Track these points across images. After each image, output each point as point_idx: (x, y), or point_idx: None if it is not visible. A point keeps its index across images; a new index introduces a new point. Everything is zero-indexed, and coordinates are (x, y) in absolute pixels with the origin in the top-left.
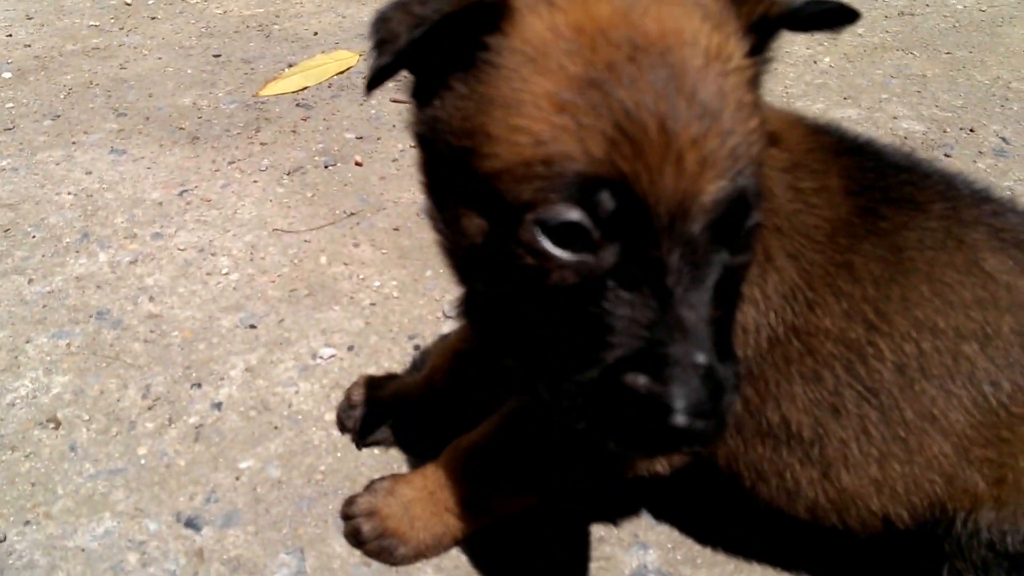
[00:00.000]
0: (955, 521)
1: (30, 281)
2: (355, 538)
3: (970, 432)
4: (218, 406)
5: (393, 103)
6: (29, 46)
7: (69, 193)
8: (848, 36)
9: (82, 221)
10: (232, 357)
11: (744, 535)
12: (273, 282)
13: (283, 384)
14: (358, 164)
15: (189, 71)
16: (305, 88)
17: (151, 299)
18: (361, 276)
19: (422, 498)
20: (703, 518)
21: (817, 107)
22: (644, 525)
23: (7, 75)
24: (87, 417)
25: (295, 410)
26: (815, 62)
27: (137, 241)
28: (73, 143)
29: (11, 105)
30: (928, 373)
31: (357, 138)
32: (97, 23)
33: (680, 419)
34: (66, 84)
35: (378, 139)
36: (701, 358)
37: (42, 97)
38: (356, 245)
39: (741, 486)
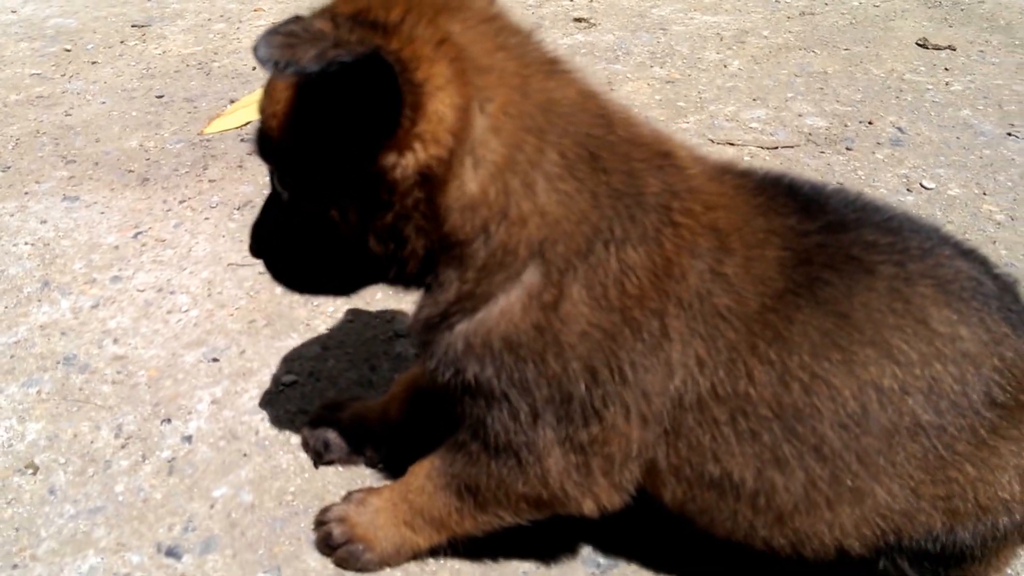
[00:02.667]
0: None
1: None
2: (325, 543)
3: (919, 474)
4: (188, 439)
5: None
6: None
7: (26, 243)
8: (755, 39)
9: (41, 270)
10: (198, 391)
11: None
12: (232, 315)
13: (249, 413)
14: None
15: (134, 113)
16: (248, 123)
17: (115, 341)
18: (315, 303)
19: (386, 508)
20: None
21: (729, 109)
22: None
23: None
24: (63, 460)
25: (262, 436)
26: (725, 66)
27: (97, 286)
28: (26, 193)
29: None
30: (872, 429)
31: None
32: (39, 71)
33: None
34: (12, 135)
35: None
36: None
37: None
38: None
39: (695, 525)
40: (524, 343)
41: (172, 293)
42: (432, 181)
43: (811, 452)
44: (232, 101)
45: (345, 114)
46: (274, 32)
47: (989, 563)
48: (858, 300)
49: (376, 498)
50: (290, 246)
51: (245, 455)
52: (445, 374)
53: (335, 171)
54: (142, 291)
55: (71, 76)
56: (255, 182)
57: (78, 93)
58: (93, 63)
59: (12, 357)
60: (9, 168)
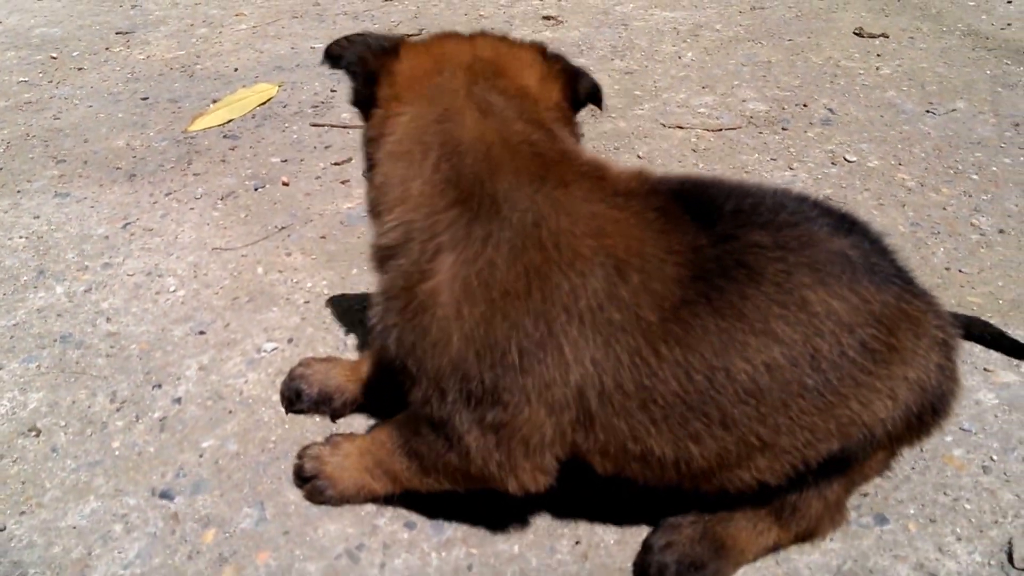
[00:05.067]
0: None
1: None
2: (298, 475)
3: (814, 420)
4: (178, 400)
5: (313, 127)
6: None
7: (21, 237)
8: (708, 32)
9: (36, 260)
10: (186, 360)
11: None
12: (217, 294)
13: (233, 376)
14: (285, 184)
15: (120, 115)
16: (230, 120)
17: (108, 320)
18: (295, 280)
19: (354, 454)
20: None
21: (680, 96)
22: None
23: None
24: (63, 423)
25: (246, 396)
26: (679, 57)
27: (89, 272)
28: (18, 191)
29: None
30: (769, 399)
31: (282, 161)
32: (26, 78)
33: None
34: (3, 139)
35: (301, 160)
36: None
37: None
38: (288, 254)
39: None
40: (411, 318)
41: (160, 276)
42: (376, 139)
43: (719, 426)
44: (215, 101)
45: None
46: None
47: (869, 461)
48: (750, 302)
49: (349, 444)
50: None
51: (230, 412)
52: (377, 341)
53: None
54: (132, 275)
55: (58, 82)
56: (237, 175)
57: (65, 98)
58: (79, 69)
59: (12, 338)
60: (1, 169)
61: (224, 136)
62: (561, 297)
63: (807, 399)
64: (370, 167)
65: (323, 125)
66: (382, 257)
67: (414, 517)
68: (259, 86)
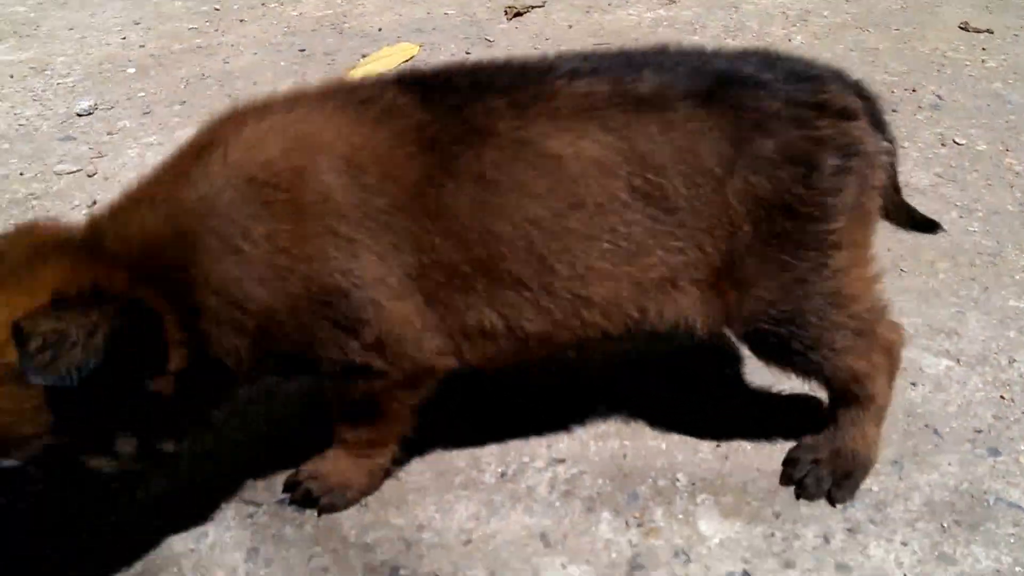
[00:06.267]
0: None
1: None
2: (306, 499)
3: (618, 267)
4: None
5: None
6: (143, 46)
7: None
8: (816, 18)
9: None
10: None
11: None
12: None
13: None
14: None
15: (282, 64)
16: (380, 74)
17: None
18: None
19: (340, 454)
20: None
21: None
22: None
23: (132, 70)
24: None
25: None
26: (789, 40)
27: None
28: (199, 123)
29: (143, 94)
30: (553, 252)
31: None
32: (196, 26)
33: None
34: (183, 77)
35: None
36: None
37: (166, 88)
38: None
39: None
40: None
41: None
42: None
43: (517, 286)
44: (364, 56)
45: None
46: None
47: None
48: (488, 160)
49: (330, 455)
50: None
51: None
52: None
53: None
54: None
55: (223, 31)
56: None
57: (232, 45)
58: (241, 21)
59: None
60: (185, 103)
61: None
62: (323, 207)
63: (598, 249)
64: None
65: None
66: None
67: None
68: (402, 45)
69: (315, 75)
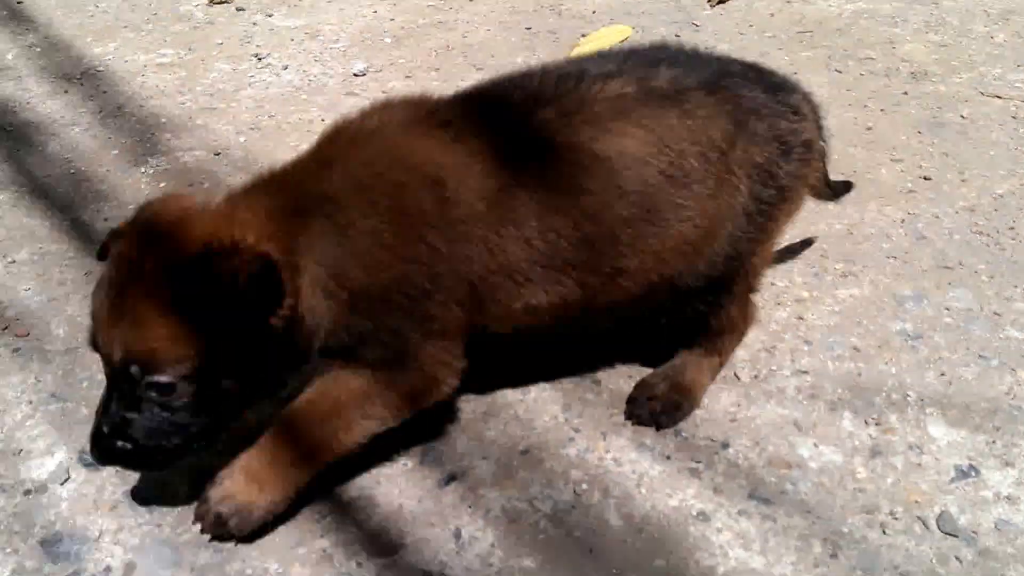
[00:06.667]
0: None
1: None
2: (216, 524)
3: (658, 244)
4: None
5: None
6: (393, 20)
7: None
8: (1018, 17)
9: None
10: None
11: None
12: None
13: None
14: None
15: (513, 40)
16: (599, 52)
17: None
18: None
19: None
20: None
21: (996, 71)
22: None
23: (388, 40)
24: None
25: None
26: (992, 37)
27: None
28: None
29: (402, 61)
30: (603, 242)
31: None
32: (434, 4)
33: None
34: (431, 47)
35: None
36: (103, 428)
37: (420, 56)
38: None
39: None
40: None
41: None
42: None
43: (566, 269)
44: (583, 35)
45: None
46: None
47: (754, 256)
48: (548, 167)
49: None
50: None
51: None
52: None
53: None
54: None
55: (457, 10)
56: None
57: (467, 22)
58: (471, 1)
59: None
60: (439, 70)
61: None
62: (414, 222)
63: (635, 229)
64: None
65: None
66: None
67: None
68: (616, 26)
69: (543, 51)
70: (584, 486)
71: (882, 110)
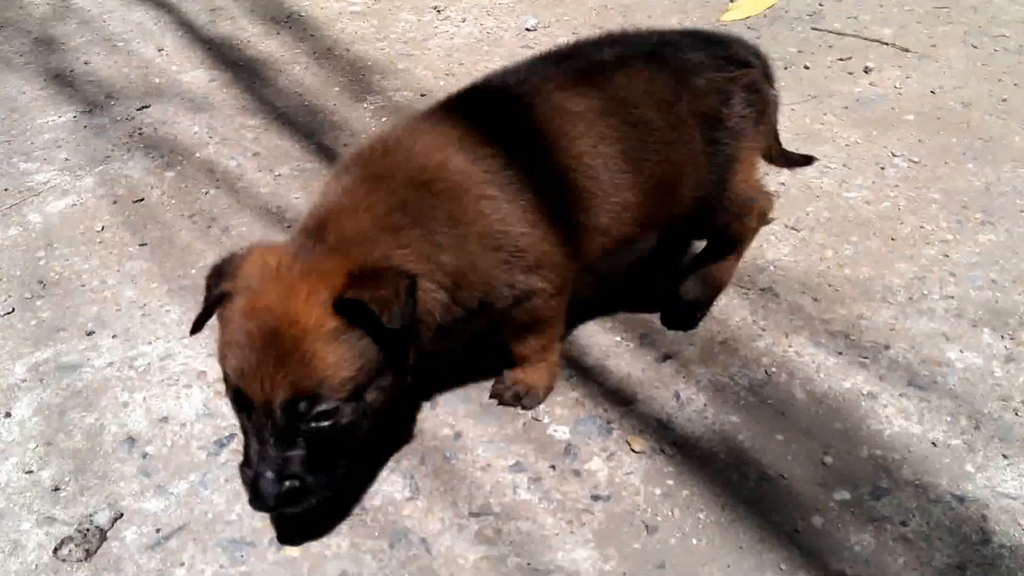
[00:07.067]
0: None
1: None
2: (515, 397)
3: (636, 178)
4: None
5: (813, 31)
6: None
7: None
8: None
9: None
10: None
11: None
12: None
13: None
14: (806, 68)
15: (666, 2)
16: (748, 16)
17: None
18: (834, 130)
19: (529, 367)
20: None
21: None
22: None
23: (531, 22)
24: None
25: None
26: None
27: None
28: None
29: (567, 18)
30: (604, 175)
31: (798, 52)
32: None
33: (251, 497)
34: (591, 6)
35: (812, 53)
36: (267, 472)
37: (581, 15)
38: (824, 114)
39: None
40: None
41: None
42: None
43: (592, 196)
44: (732, 1)
45: None
46: None
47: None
48: (550, 130)
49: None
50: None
51: None
52: None
53: None
54: None
55: None
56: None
57: None
58: None
59: None
60: (601, 27)
61: (748, 28)
62: (474, 198)
63: (619, 167)
64: None
65: (822, 30)
66: None
67: None
68: None
69: (695, 14)
70: (773, 369)
71: (1015, 84)
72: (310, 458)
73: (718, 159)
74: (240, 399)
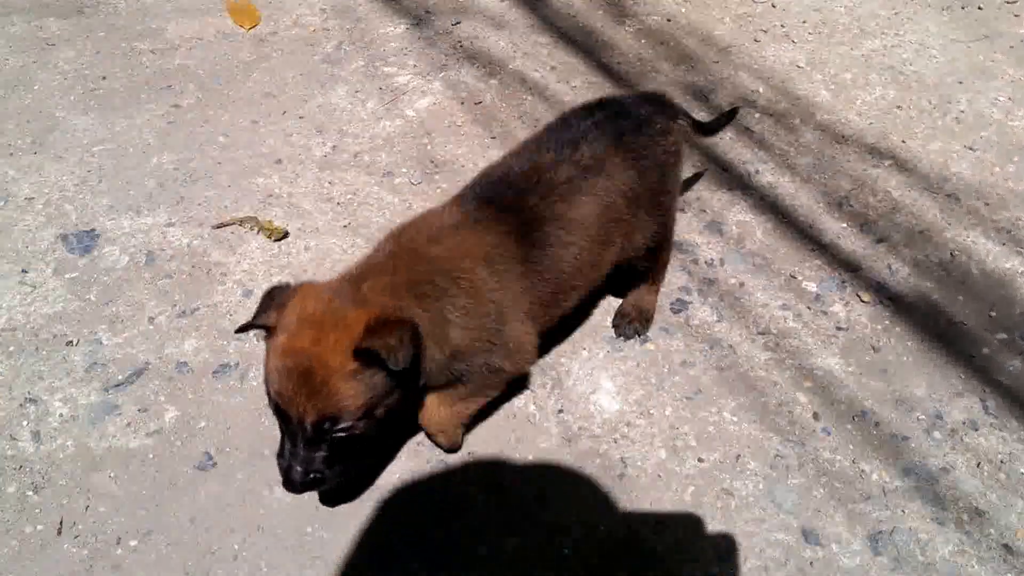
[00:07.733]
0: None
1: None
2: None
3: (603, 250)
4: None
5: None
6: None
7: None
8: None
9: None
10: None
11: None
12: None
13: None
14: (979, 8)
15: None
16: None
17: None
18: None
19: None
20: None
21: None
22: None
23: None
24: None
25: None
26: None
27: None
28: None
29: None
30: (580, 262)
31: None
32: None
33: (283, 481)
34: None
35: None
36: (296, 466)
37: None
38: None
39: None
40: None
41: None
42: None
43: (565, 291)
44: None
45: None
46: None
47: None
48: (544, 235)
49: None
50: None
51: None
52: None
53: None
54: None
55: None
56: None
57: None
58: None
59: None
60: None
61: None
62: (481, 281)
63: (597, 243)
64: None
65: None
66: None
67: None
68: None
69: None
70: (956, 252)
71: None
72: (329, 457)
73: (656, 211)
74: (280, 412)
